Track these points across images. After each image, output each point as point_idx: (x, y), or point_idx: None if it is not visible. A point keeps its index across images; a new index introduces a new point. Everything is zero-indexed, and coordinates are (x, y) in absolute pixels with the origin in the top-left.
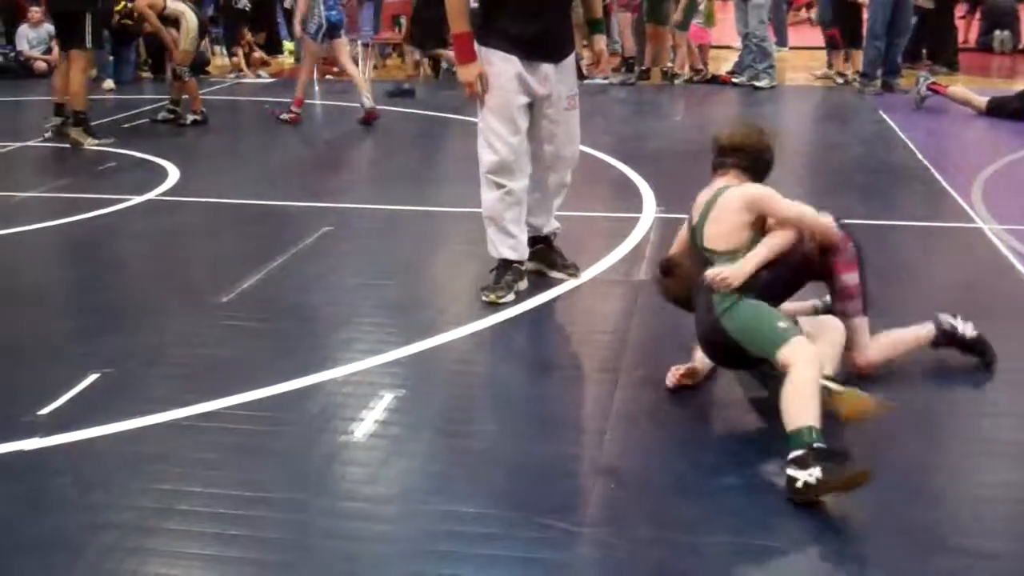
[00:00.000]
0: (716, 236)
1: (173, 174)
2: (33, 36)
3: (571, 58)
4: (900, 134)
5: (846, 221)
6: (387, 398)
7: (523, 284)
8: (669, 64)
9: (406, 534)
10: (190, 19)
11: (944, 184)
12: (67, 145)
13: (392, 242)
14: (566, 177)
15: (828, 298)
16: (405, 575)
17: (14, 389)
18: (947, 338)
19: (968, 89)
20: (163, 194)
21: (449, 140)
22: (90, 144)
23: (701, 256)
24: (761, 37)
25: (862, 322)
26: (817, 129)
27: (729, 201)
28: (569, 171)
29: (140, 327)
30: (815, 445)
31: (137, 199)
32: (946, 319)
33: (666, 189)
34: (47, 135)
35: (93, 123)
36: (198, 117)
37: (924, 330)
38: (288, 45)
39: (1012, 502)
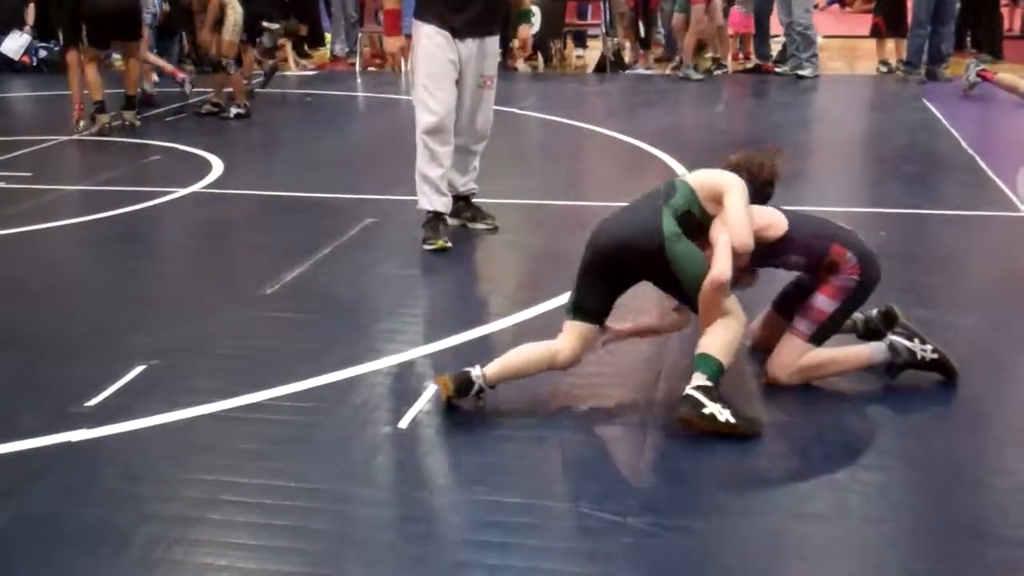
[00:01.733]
0: (702, 179)
1: (217, 167)
2: None
3: (494, 41)
4: (945, 123)
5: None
6: (431, 389)
7: (447, 230)
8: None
9: (450, 524)
10: (236, 9)
11: (989, 173)
12: (111, 139)
13: None
14: (480, 145)
15: (873, 312)
16: (449, 565)
17: (61, 381)
18: (904, 365)
19: (1016, 76)
20: (207, 187)
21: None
22: (136, 125)
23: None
24: (805, 26)
25: (799, 345)
26: (861, 118)
27: (721, 174)
28: (483, 141)
29: (185, 319)
30: (720, 387)
31: (182, 192)
32: (901, 344)
33: None
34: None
35: (139, 115)
36: (241, 110)
37: (868, 353)
38: (329, 37)
39: None
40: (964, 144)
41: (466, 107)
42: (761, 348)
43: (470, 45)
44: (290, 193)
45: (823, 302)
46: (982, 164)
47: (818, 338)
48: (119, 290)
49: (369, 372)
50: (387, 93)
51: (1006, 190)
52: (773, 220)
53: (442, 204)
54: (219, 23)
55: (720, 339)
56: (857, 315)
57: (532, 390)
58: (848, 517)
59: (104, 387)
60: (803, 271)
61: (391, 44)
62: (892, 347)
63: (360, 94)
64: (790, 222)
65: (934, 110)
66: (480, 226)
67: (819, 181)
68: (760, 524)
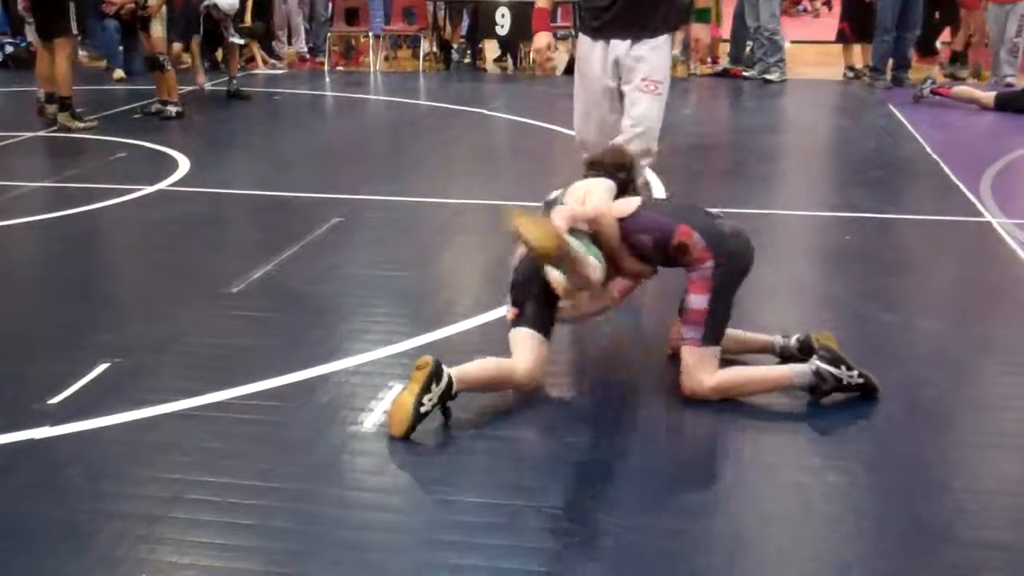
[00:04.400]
0: (577, 194)
1: (183, 165)
2: None
3: (656, 41)
4: (910, 128)
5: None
6: (396, 388)
7: None
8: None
9: (413, 524)
10: (163, 8)
11: (953, 178)
12: (77, 135)
13: (403, 233)
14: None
15: (792, 339)
16: (412, 564)
17: (25, 378)
18: (831, 390)
19: (973, 87)
20: (174, 184)
21: (458, 131)
22: (76, 128)
23: None
24: (772, 31)
25: (696, 351)
26: (827, 123)
27: (590, 185)
28: (640, 150)
29: (150, 317)
30: None
31: (148, 189)
32: (827, 371)
33: (675, 180)
34: (55, 124)
35: (104, 113)
36: (180, 108)
37: (789, 374)
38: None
39: (1019, 494)
40: (928, 149)
41: (628, 112)
42: (677, 354)
43: (619, 47)
44: (257, 191)
45: (694, 301)
46: (946, 169)
47: (709, 337)
48: (83, 287)
49: (335, 371)
50: (355, 93)
51: (969, 195)
52: (627, 201)
53: None
54: (146, 22)
55: None
56: (777, 338)
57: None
58: (811, 518)
59: (68, 385)
60: (656, 254)
61: (539, 40)
62: (818, 373)
63: (328, 93)
64: (646, 205)
65: (899, 115)
66: None
67: (785, 185)
68: (724, 524)
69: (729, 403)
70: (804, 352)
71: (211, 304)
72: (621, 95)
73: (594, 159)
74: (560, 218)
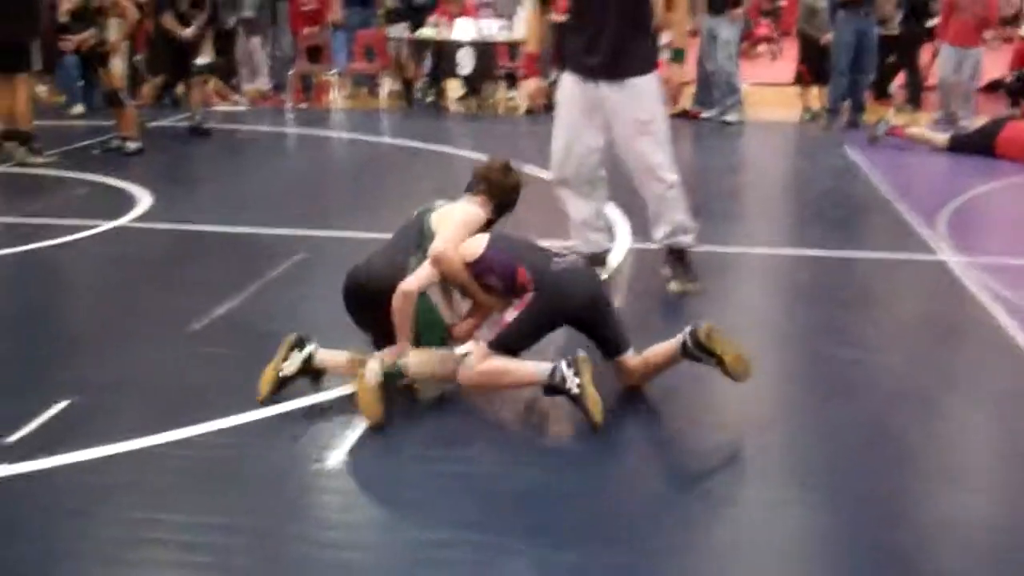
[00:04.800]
0: (439, 222)
1: (144, 201)
2: None
3: (641, 81)
4: (865, 169)
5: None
6: (360, 426)
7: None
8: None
9: (379, 561)
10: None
11: (908, 218)
12: (36, 171)
13: None
14: (656, 190)
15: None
16: None
17: None
18: (555, 389)
19: (927, 128)
20: (134, 220)
21: (419, 168)
22: (35, 164)
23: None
24: (730, 73)
25: (483, 349)
26: (784, 164)
27: (462, 212)
28: (657, 186)
29: (111, 355)
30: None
31: (108, 225)
32: (559, 370)
33: (639, 219)
34: (12, 160)
35: (64, 148)
36: (139, 144)
37: (534, 371)
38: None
39: (977, 526)
40: (884, 189)
41: (621, 150)
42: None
43: (605, 89)
44: (220, 228)
45: (508, 314)
46: (901, 209)
47: (497, 344)
48: (42, 325)
49: (298, 408)
50: (318, 130)
51: (924, 234)
52: (472, 243)
53: (586, 245)
54: (104, 58)
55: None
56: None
57: (461, 425)
58: (776, 550)
59: (26, 423)
60: (504, 292)
61: (530, 85)
62: (553, 371)
63: (291, 130)
64: (492, 246)
65: (854, 156)
66: (674, 286)
67: (744, 224)
68: (689, 558)
69: (694, 436)
70: (700, 350)
71: (173, 342)
72: (606, 141)
73: (482, 173)
74: (410, 283)
